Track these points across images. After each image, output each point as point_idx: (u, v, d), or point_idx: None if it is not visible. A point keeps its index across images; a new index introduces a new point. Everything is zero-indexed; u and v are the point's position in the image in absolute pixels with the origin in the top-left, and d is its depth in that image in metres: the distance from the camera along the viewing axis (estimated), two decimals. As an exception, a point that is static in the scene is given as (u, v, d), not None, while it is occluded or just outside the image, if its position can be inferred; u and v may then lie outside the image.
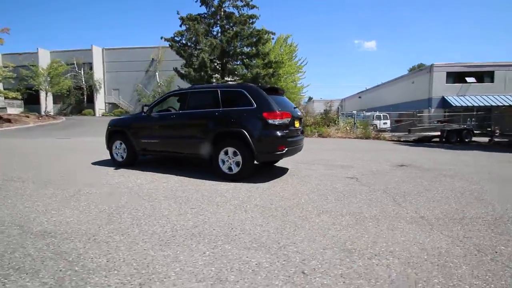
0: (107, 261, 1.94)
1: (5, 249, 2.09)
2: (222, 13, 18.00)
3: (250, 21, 17.67)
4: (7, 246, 2.13)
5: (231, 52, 17.66)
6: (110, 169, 5.21)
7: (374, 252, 2.12)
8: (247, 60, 18.84)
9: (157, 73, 33.24)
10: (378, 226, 2.65)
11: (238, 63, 18.77)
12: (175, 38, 17.90)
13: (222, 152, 4.45)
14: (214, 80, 18.93)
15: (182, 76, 18.45)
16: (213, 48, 16.89)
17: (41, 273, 1.78)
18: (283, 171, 5.32)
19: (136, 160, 5.60)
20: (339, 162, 6.51)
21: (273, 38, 20.30)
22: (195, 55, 18.55)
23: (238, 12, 18.09)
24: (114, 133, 5.66)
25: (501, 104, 21.57)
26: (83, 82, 33.46)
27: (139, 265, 1.89)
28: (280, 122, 4.24)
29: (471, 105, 21.60)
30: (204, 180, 4.39)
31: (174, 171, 5.07)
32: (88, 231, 2.44)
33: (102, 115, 32.31)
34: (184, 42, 18.31)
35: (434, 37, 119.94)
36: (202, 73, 16.96)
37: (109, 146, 5.67)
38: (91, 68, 34.02)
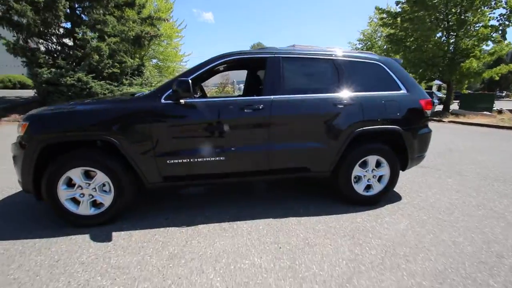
0: None
1: None
2: None
3: None
4: None
5: (97, -6, 11.86)
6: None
7: None
8: (117, 10, 13.53)
9: None
10: None
11: (105, 13, 12.95)
12: None
13: (357, 165, 2.68)
14: (61, 31, 12.28)
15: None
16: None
17: None
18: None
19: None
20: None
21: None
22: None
23: None
24: (58, 150, 2.17)
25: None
26: None
27: None
28: (429, 113, 3.00)
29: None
30: (337, 215, 2.53)
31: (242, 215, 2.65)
32: None
33: None
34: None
35: (270, 20, 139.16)
36: (48, 18, 10.55)
37: (44, 185, 2.11)
38: None
